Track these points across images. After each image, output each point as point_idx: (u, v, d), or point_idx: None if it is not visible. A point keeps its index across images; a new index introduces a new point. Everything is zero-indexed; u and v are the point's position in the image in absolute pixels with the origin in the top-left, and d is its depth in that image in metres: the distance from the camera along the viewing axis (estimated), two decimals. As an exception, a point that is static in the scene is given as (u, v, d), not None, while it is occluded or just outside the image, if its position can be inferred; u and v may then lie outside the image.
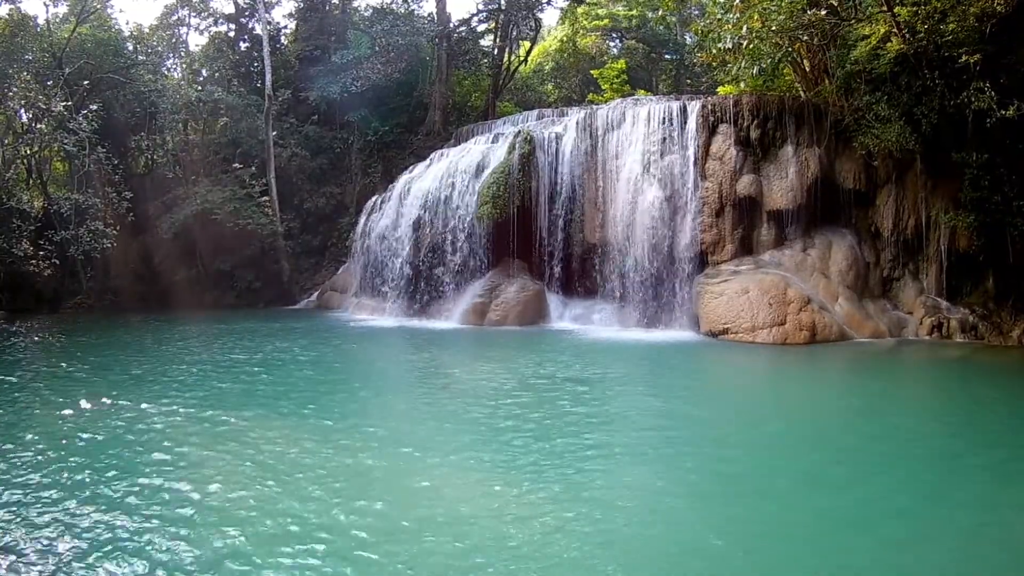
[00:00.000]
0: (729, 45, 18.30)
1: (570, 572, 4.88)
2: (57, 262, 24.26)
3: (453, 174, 21.41)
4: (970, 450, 8.06)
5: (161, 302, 24.92)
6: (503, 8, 32.54)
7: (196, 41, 36.01)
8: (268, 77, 28.27)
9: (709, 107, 19.05)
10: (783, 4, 16.09)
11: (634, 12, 38.55)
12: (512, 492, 6.35)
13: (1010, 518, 5.97)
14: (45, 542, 5.21)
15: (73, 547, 5.11)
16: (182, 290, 25.75)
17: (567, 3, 35.15)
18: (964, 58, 14.59)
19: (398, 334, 18.64)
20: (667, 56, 40.23)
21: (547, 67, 40.07)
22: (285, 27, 36.11)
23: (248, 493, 6.20)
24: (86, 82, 25.36)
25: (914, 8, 15.32)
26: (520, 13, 32.31)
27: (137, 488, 6.29)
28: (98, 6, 28.39)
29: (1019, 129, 14.86)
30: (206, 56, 33.51)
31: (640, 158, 19.33)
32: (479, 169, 20.99)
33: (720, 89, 25.34)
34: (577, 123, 20.94)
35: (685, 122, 19.10)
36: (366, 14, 33.96)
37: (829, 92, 18.54)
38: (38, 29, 25.54)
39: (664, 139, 19.25)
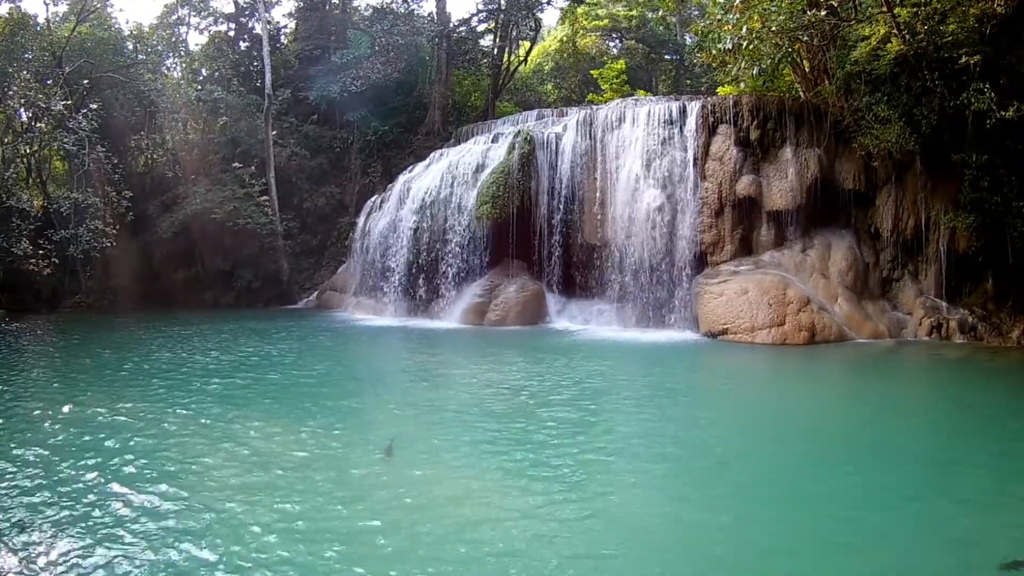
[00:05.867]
0: (729, 46, 18.27)
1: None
2: (56, 261, 24.22)
3: (453, 174, 21.40)
4: (967, 450, 8.07)
5: (160, 301, 24.90)
6: (503, 8, 32.50)
7: (196, 40, 35.87)
8: (268, 76, 28.23)
9: (709, 107, 19.05)
10: (783, 5, 16.07)
11: (634, 12, 38.55)
12: (504, 494, 6.35)
13: (1006, 516, 5.98)
14: (38, 539, 5.21)
15: (67, 545, 5.11)
16: (181, 289, 25.74)
17: (567, 3, 35.12)
18: (964, 59, 14.58)
19: (397, 334, 18.63)
20: (667, 56, 40.23)
21: (547, 67, 40.05)
22: (285, 26, 36.11)
23: (240, 492, 6.20)
24: (86, 81, 25.33)
25: (914, 9, 15.32)
26: (520, 13, 32.26)
27: (129, 487, 6.30)
28: (98, 5, 28.35)
29: (1019, 130, 14.85)
30: (206, 55, 33.45)
31: (640, 158, 19.32)
32: (479, 169, 20.97)
33: (720, 90, 25.33)
34: (577, 123, 20.93)
35: (685, 122, 19.10)
36: (366, 14, 33.93)
37: (829, 93, 18.53)
38: (38, 28, 25.47)
39: (664, 139, 19.24)
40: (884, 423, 9.38)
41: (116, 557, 4.94)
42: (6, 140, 24.35)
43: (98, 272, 26.00)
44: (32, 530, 5.38)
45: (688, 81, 38.05)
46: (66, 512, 5.72)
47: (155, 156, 29.33)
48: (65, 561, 4.88)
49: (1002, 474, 7.19)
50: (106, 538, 5.24)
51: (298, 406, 9.69)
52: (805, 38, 17.88)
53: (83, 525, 5.47)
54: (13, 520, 5.55)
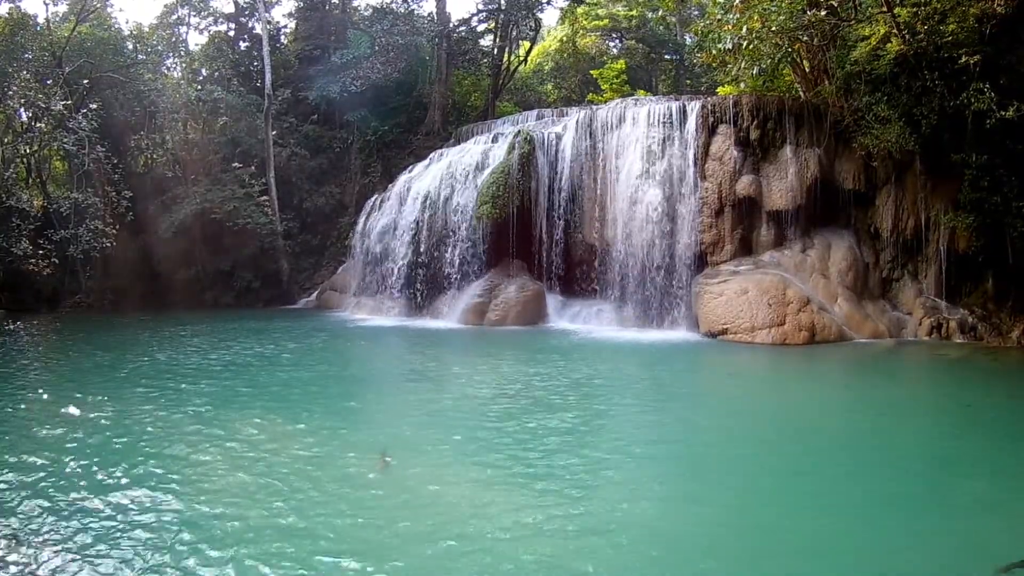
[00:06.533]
0: (729, 45, 18.27)
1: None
2: (56, 261, 24.20)
3: (453, 174, 21.41)
4: (967, 450, 8.07)
5: (160, 301, 24.89)
6: (503, 8, 32.50)
7: (196, 40, 35.83)
8: (268, 76, 28.22)
9: (709, 107, 19.04)
10: (783, 5, 16.07)
11: (634, 12, 38.53)
12: (500, 496, 6.35)
13: (1007, 516, 5.98)
14: (35, 539, 5.20)
15: (62, 545, 5.11)
16: (181, 289, 25.71)
17: (567, 3, 35.11)
18: (964, 59, 14.58)
19: (397, 334, 18.63)
20: (667, 56, 40.22)
21: (547, 67, 40.04)
22: (285, 26, 36.09)
23: (237, 492, 6.20)
24: (86, 81, 25.31)
25: (914, 9, 15.32)
26: (520, 13, 32.26)
27: (123, 488, 6.29)
28: (98, 5, 28.34)
29: (1019, 130, 14.85)
30: (206, 55, 33.42)
31: (640, 158, 19.32)
32: (479, 169, 20.98)
33: (720, 90, 25.33)
34: (577, 123, 20.93)
35: (685, 122, 19.10)
36: (366, 14, 33.93)
37: (829, 93, 18.54)
38: (38, 28, 25.45)
39: (664, 139, 19.24)
40: (884, 423, 9.38)
41: (109, 556, 4.94)
42: (6, 140, 24.34)
43: (98, 272, 25.97)
44: (28, 530, 5.37)
45: (688, 81, 38.04)
46: (59, 512, 5.71)
47: (155, 156, 29.33)
48: (57, 560, 4.88)
49: (1002, 474, 7.19)
50: (97, 539, 5.23)
51: (295, 408, 9.65)
52: (805, 38, 17.88)
53: (75, 525, 5.46)
54: (9, 520, 5.54)
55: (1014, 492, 6.62)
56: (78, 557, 4.93)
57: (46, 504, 5.88)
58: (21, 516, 5.64)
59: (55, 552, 5.01)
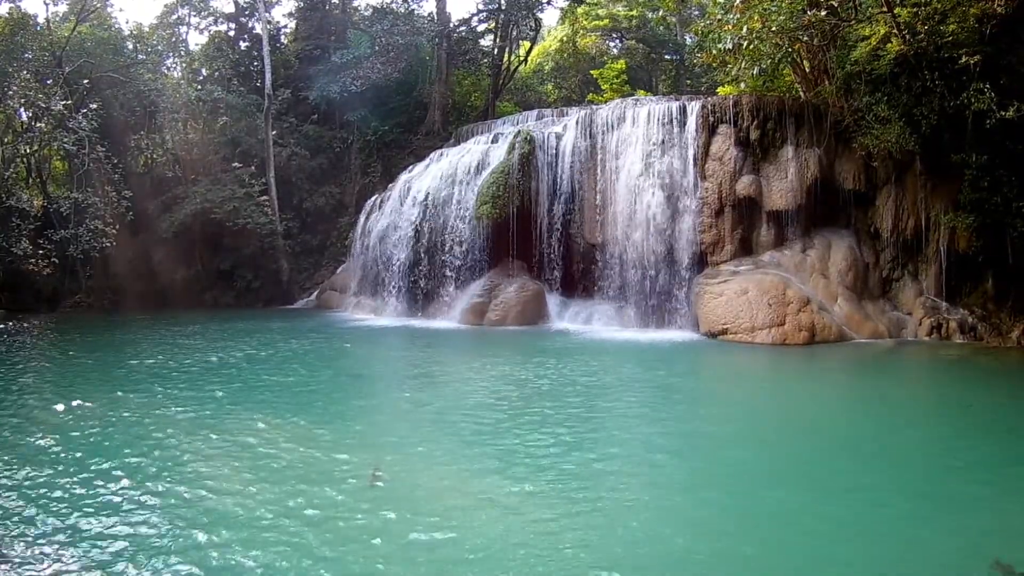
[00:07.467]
0: (729, 46, 18.28)
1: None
2: (56, 261, 24.22)
3: (453, 174, 21.41)
4: (967, 450, 8.06)
5: (160, 301, 24.90)
6: (503, 8, 32.52)
7: (196, 40, 35.81)
8: (268, 76, 28.24)
9: (709, 107, 19.04)
10: (783, 5, 16.07)
11: (634, 12, 38.54)
12: (500, 500, 6.34)
13: (1006, 517, 5.97)
14: (36, 539, 5.20)
15: (62, 544, 5.11)
16: (181, 289, 25.73)
17: (567, 3, 35.12)
18: (964, 59, 14.57)
19: (397, 334, 18.62)
20: (667, 56, 40.22)
21: (547, 67, 40.05)
22: (285, 26, 36.10)
23: (236, 491, 6.20)
24: (86, 81, 25.33)
25: (914, 9, 15.32)
26: (520, 13, 32.28)
27: (123, 486, 6.29)
28: (98, 5, 28.37)
29: (1019, 130, 14.84)
30: (206, 55, 33.42)
31: (640, 158, 19.32)
32: (479, 169, 20.98)
33: (720, 90, 25.32)
34: (577, 123, 20.93)
35: (685, 122, 19.10)
36: (366, 13, 33.95)
37: (829, 93, 18.53)
38: (38, 28, 25.47)
39: (664, 139, 19.23)
40: (884, 423, 9.38)
41: (100, 556, 4.94)
42: (6, 140, 24.35)
43: (98, 272, 25.98)
44: (14, 532, 5.37)
45: (688, 81, 38.04)
46: (48, 512, 5.72)
47: (155, 156, 29.35)
48: (59, 558, 4.88)
49: (1003, 474, 7.19)
50: (87, 540, 5.23)
51: (293, 410, 9.59)
52: (805, 38, 17.87)
53: (63, 525, 5.46)
54: (8, 518, 5.55)
55: (1014, 492, 6.62)
56: (65, 559, 4.92)
57: (36, 505, 5.88)
58: (13, 516, 5.65)
59: (40, 556, 5.00)
